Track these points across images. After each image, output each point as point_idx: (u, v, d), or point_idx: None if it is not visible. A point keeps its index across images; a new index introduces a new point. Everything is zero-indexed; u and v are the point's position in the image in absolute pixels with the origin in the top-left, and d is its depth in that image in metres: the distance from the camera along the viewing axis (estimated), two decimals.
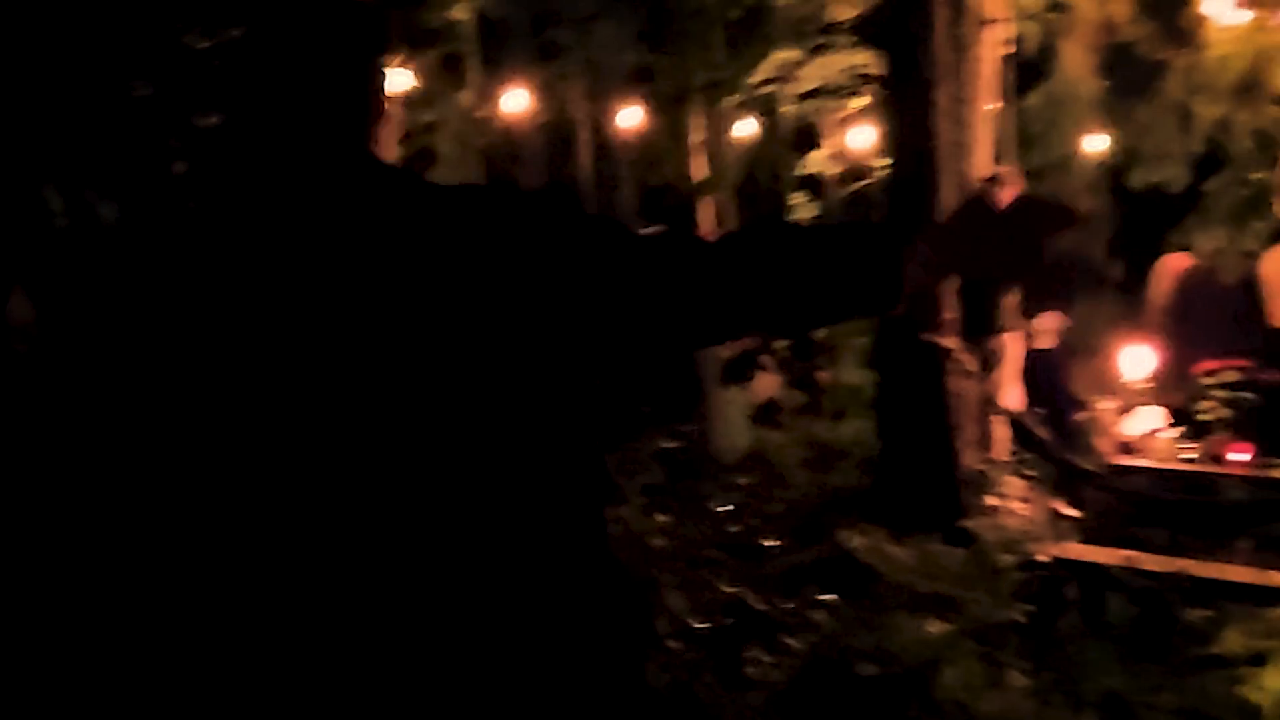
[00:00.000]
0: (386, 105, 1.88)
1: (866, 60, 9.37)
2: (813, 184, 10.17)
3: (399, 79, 7.45)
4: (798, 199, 9.61)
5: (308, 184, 1.78)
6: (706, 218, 8.73)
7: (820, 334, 7.74)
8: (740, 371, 8.04)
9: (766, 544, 4.84)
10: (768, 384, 8.40)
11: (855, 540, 4.85)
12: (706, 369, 7.94)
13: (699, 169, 8.76)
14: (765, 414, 8.11)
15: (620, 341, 1.77)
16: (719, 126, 8.92)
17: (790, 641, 4.03)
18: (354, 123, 1.83)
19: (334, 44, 1.82)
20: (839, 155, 10.13)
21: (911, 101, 5.62)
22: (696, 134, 8.67)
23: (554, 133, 8.96)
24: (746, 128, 9.26)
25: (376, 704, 1.66)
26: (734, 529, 5.11)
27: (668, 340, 1.84)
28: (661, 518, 5.10)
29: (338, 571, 1.66)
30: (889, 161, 6.03)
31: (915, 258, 1.83)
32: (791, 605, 4.19)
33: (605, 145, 9.01)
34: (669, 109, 8.78)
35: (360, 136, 1.83)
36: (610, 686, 1.78)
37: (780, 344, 8.03)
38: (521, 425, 1.70)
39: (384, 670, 1.66)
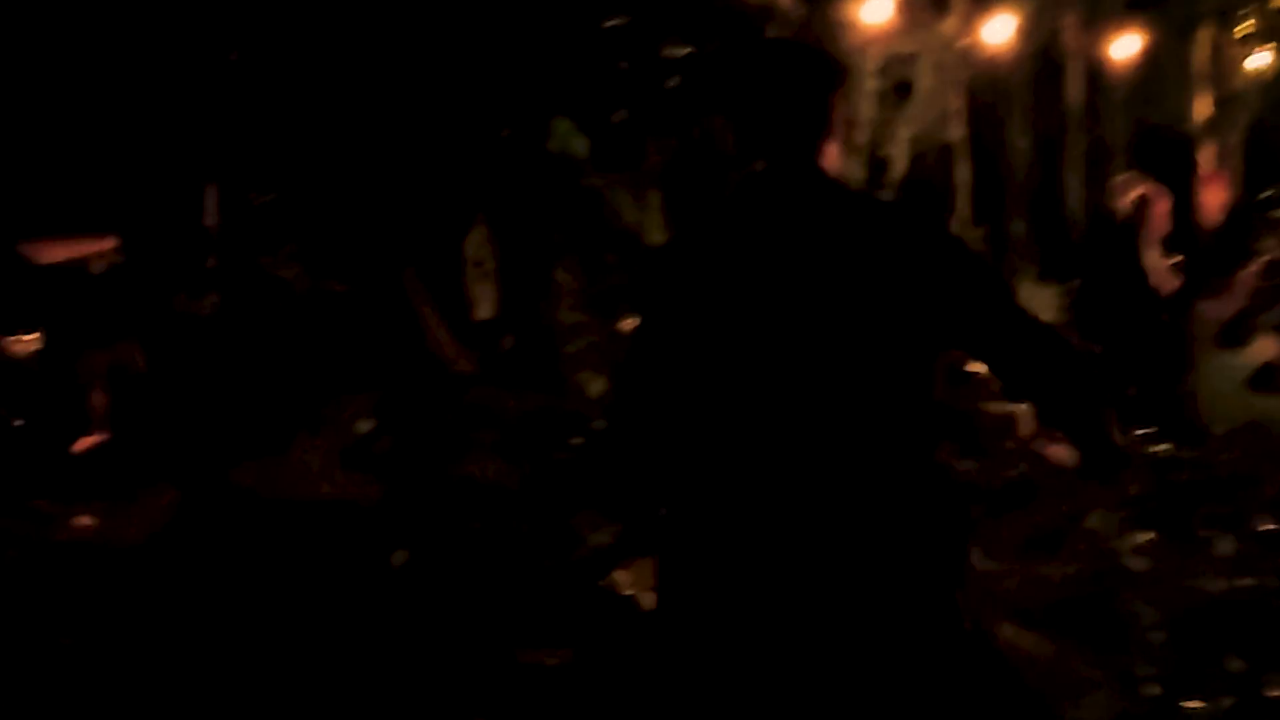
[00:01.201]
0: (833, 124, 2.51)
1: None
2: None
3: (880, 8, 7.05)
4: None
5: (765, 187, 2.50)
6: (1207, 161, 7.99)
7: None
8: (1235, 333, 7.36)
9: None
10: (1267, 347, 7.64)
11: None
12: (1193, 333, 7.29)
13: (1203, 107, 8.02)
14: (1264, 380, 7.38)
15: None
16: (1230, 58, 8.13)
17: None
18: (805, 141, 2.50)
19: (793, 80, 2.52)
20: None
21: None
22: (1203, 66, 7.95)
23: (1042, 64, 8.33)
24: (1260, 60, 8.37)
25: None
26: (1226, 548, 4.47)
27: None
28: (1142, 535, 4.48)
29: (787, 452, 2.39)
30: None
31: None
32: None
33: (1097, 77, 8.31)
34: (1175, 37, 8.06)
35: (809, 152, 2.50)
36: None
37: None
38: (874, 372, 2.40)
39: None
